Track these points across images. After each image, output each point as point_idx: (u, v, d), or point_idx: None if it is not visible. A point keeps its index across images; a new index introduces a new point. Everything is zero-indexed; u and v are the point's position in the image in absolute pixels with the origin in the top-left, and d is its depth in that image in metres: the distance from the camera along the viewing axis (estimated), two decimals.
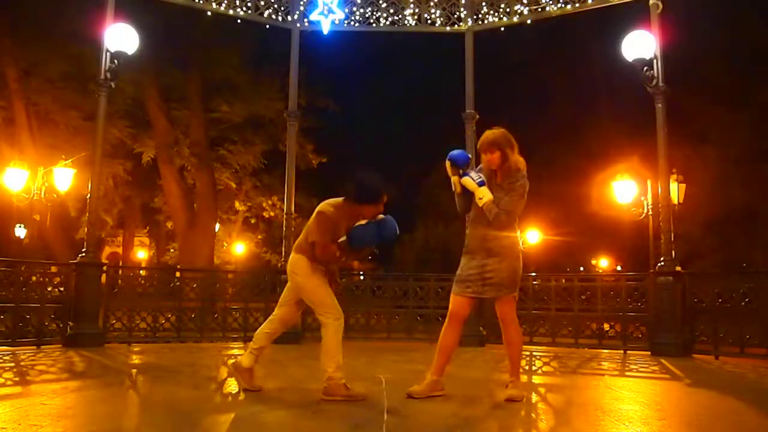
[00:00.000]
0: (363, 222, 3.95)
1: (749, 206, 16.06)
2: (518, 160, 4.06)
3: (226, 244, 23.58)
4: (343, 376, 3.90)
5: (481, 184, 3.94)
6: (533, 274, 8.13)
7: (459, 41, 8.52)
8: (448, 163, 4.05)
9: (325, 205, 4.01)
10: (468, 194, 4.02)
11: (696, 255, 15.74)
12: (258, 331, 4.23)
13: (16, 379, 4.72)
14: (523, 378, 5.26)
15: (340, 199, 4.04)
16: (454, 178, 4.04)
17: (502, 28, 8.47)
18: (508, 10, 8.35)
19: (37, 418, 3.21)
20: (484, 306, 7.82)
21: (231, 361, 4.41)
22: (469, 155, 4.11)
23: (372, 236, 3.95)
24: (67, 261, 7.75)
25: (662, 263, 7.04)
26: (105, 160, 8.68)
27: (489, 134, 4.05)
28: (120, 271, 8.54)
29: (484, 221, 3.99)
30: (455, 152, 4.06)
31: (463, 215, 4.26)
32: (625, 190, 12.46)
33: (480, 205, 3.95)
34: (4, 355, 5.79)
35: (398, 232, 4.03)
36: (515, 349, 4.09)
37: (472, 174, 3.99)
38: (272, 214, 20.06)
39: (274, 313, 4.24)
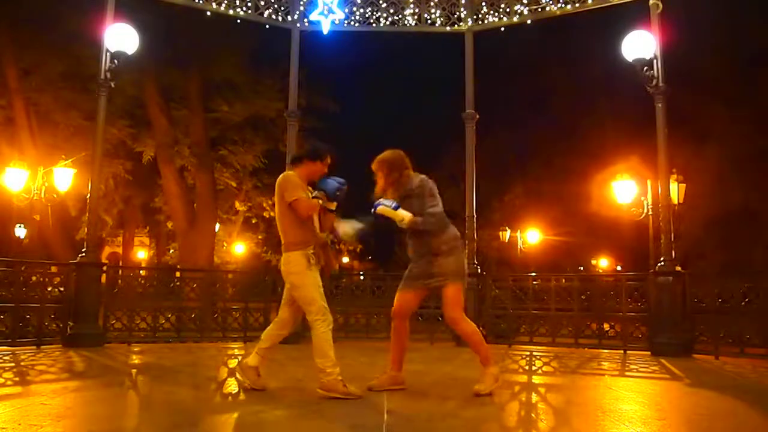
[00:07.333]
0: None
1: (749, 206, 16.03)
2: (409, 173, 4.27)
3: (226, 244, 23.56)
4: (339, 372, 3.93)
5: (395, 207, 4.11)
6: (533, 274, 8.13)
7: (459, 41, 8.53)
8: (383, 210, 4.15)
9: (282, 175, 4.20)
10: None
11: (696, 255, 15.72)
12: (265, 331, 4.32)
13: (16, 379, 4.73)
14: (523, 378, 5.30)
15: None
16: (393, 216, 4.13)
17: (502, 28, 8.47)
18: (508, 10, 8.35)
19: (37, 418, 3.22)
20: (484, 305, 7.85)
21: (239, 360, 4.44)
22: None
23: (334, 181, 4.18)
24: (67, 261, 7.74)
25: (662, 263, 7.03)
26: (105, 159, 8.68)
27: (382, 155, 4.31)
28: (120, 271, 8.54)
29: (423, 232, 4.18)
30: (384, 202, 4.17)
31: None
32: (625, 190, 12.45)
33: (403, 226, 4.14)
34: (4, 355, 5.79)
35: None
36: (474, 344, 4.23)
37: (385, 201, 4.16)
38: (272, 214, 19.90)
39: (279, 314, 4.31)
